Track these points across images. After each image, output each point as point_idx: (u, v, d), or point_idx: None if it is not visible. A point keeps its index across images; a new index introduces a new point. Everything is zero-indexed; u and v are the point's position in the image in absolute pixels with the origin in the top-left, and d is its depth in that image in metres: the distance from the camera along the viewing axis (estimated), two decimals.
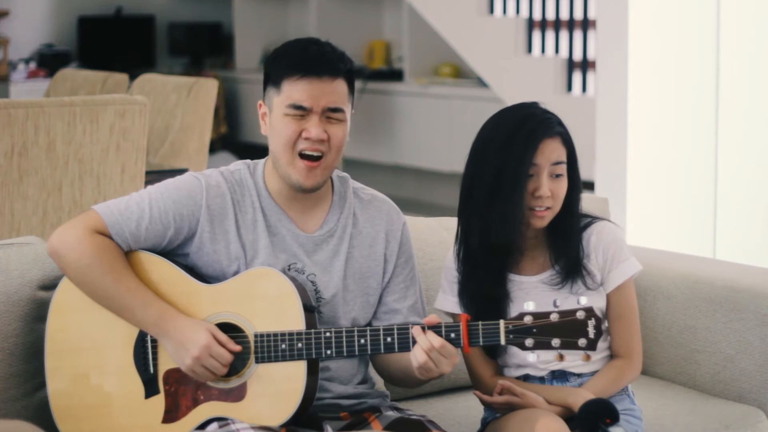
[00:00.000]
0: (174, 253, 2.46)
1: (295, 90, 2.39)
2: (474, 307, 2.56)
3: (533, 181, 2.50)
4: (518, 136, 2.50)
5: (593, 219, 2.63)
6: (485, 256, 2.54)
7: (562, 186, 2.53)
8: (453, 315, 2.63)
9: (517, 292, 2.57)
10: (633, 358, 2.60)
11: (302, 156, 2.40)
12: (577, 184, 2.58)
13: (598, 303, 2.57)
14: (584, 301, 2.28)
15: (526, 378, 2.59)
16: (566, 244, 2.57)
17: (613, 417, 2.28)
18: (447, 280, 2.64)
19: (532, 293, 2.56)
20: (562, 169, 2.52)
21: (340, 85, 2.42)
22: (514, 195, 2.48)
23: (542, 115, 2.54)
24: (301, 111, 2.39)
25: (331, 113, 2.41)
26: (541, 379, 2.58)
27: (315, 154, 2.40)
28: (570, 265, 2.56)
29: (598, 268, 2.58)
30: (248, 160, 2.55)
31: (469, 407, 2.85)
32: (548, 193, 2.49)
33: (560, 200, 2.53)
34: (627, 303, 2.60)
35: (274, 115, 2.43)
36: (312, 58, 2.40)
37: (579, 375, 2.58)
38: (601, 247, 2.58)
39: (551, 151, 2.50)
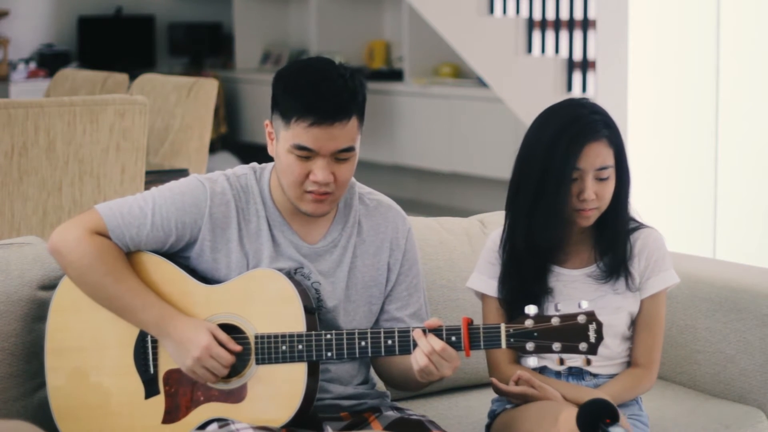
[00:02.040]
0: (176, 254, 2.45)
1: (303, 134, 2.32)
2: (513, 298, 2.55)
3: (578, 184, 2.50)
4: (562, 140, 2.49)
5: (642, 225, 2.64)
6: (529, 253, 2.54)
7: (608, 188, 2.53)
8: (484, 295, 2.62)
9: (558, 284, 2.57)
10: (652, 369, 2.59)
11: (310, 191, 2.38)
12: (626, 183, 2.57)
13: (632, 307, 2.58)
14: (585, 305, 2.27)
15: (543, 370, 2.58)
16: (612, 242, 2.57)
17: (613, 417, 2.28)
18: (486, 260, 2.62)
19: (572, 286, 2.57)
20: (608, 172, 2.52)
21: (352, 124, 2.36)
22: (557, 199, 2.49)
23: (589, 116, 2.52)
24: (308, 152, 2.34)
25: (340, 153, 2.36)
26: (557, 374, 2.58)
27: (322, 192, 2.37)
28: (615, 263, 2.56)
29: (639, 272, 2.58)
30: (255, 164, 2.53)
31: (469, 407, 2.85)
32: (593, 196, 2.50)
33: (606, 201, 2.53)
34: (657, 313, 2.60)
35: (280, 145, 2.38)
36: (324, 103, 2.31)
37: (595, 375, 2.58)
38: (645, 252, 2.59)
39: (595, 156, 2.50)
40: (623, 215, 2.59)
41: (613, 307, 2.56)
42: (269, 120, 2.43)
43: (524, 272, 2.55)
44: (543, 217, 2.50)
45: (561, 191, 2.48)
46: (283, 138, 2.36)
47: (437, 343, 2.28)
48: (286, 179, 2.38)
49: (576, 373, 2.57)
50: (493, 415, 2.62)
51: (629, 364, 2.61)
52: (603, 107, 2.59)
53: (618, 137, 2.55)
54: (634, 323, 2.60)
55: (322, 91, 2.32)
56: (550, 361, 2.54)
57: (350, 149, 2.37)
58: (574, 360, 2.33)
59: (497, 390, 2.54)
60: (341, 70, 2.36)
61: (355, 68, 2.41)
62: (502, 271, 2.59)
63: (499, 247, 2.60)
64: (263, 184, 2.48)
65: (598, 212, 2.53)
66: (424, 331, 2.30)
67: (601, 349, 2.27)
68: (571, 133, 2.49)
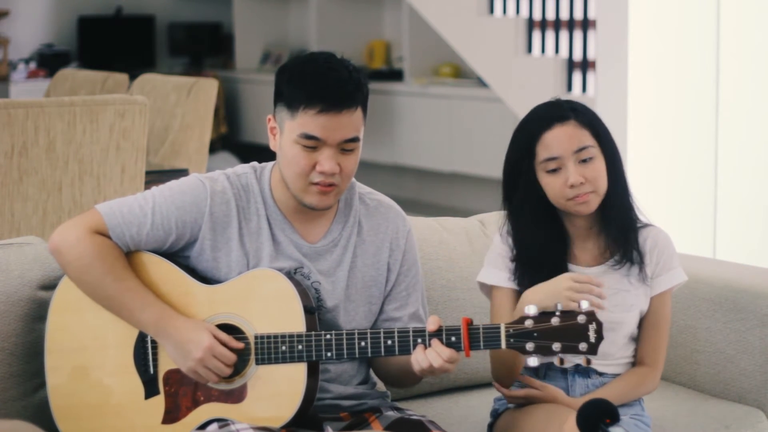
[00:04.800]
0: (176, 254, 2.45)
1: (311, 122, 2.33)
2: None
3: (561, 173, 2.46)
4: (525, 132, 2.50)
5: (648, 223, 2.60)
6: (540, 253, 2.51)
7: (595, 168, 2.47)
8: (494, 287, 2.57)
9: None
10: (657, 369, 2.58)
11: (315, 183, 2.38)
12: (617, 163, 2.52)
13: (643, 306, 2.57)
14: (585, 305, 2.26)
15: (549, 367, 2.57)
16: (620, 228, 2.52)
17: (613, 417, 2.27)
18: (497, 253, 2.57)
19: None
20: (590, 152, 2.47)
21: (358, 115, 2.36)
22: (534, 192, 2.49)
23: (550, 105, 2.51)
24: (315, 142, 2.35)
25: (346, 143, 2.36)
26: (563, 371, 2.56)
27: (327, 184, 2.37)
28: (627, 248, 2.52)
29: (651, 269, 2.56)
30: (255, 164, 2.53)
31: (469, 407, 2.85)
32: (580, 179, 2.45)
33: (600, 182, 2.48)
34: (664, 312, 2.58)
35: (284, 137, 2.38)
36: (331, 91, 2.32)
37: (601, 374, 2.56)
38: (656, 250, 2.56)
39: (568, 139, 2.46)
40: (626, 199, 2.54)
41: (626, 305, 2.54)
42: (272, 114, 2.43)
43: (541, 273, 2.50)
44: (530, 215, 2.50)
45: (533, 183, 2.47)
46: (288, 129, 2.36)
47: (436, 361, 2.27)
48: (290, 171, 2.38)
49: (582, 372, 2.56)
50: (496, 414, 2.62)
51: (633, 364, 2.60)
52: (599, 107, 2.59)
53: (591, 118, 2.50)
54: (640, 322, 2.59)
55: (330, 79, 2.33)
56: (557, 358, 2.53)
57: (356, 139, 2.37)
58: (576, 359, 2.32)
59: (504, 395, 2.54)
60: (345, 62, 2.39)
61: (356, 65, 2.42)
62: (518, 274, 2.54)
63: (510, 251, 2.56)
64: (263, 183, 2.48)
65: (596, 197, 2.48)
66: (424, 345, 2.29)
67: (609, 348, 2.26)
68: (533, 124, 2.49)
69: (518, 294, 2.51)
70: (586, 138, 2.48)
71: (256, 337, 2.35)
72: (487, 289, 2.60)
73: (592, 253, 2.57)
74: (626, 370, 2.58)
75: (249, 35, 10.12)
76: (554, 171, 2.47)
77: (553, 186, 2.48)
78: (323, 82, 2.33)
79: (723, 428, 2.83)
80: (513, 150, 2.52)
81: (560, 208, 2.51)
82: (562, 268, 2.51)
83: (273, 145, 2.44)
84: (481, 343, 2.28)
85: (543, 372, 2.58)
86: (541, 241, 2.52)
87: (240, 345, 2.34)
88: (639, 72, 4.99)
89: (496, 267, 2.57)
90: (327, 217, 2.48)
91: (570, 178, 2.45)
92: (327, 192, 2.38)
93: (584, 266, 2.56)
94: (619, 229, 2.53)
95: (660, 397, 2.93)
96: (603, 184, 2.49)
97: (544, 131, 2.48)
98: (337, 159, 2.36)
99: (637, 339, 2.60)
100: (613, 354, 2.54)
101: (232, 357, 2.33)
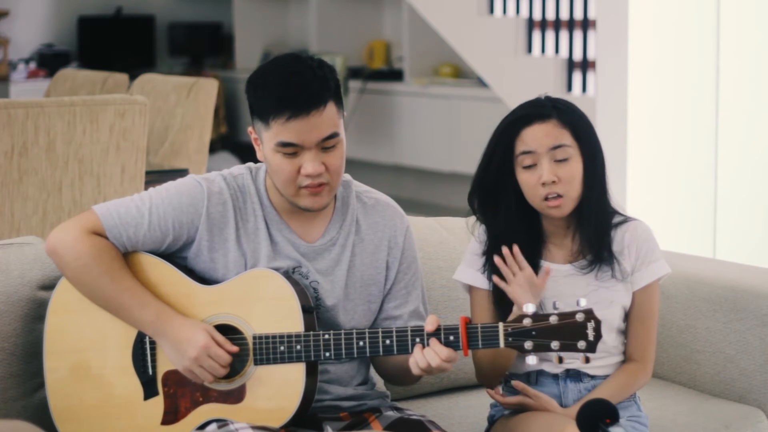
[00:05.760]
0: (173, 254, 2.45)
1: (284, 130, 2.33)
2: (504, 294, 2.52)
3: (536, 170, 2.45)
4: (502, 127, 2.50)
5: (627, 218, 2.58)
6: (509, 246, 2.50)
7: (569, 169, 2.45)
8: (471, 287, 2.58)
9: (548, 280, 2.49)
10: (646, 363, 2.57)
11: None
12: (597, 167, 2.49)
13: (625, 301, 2.55)
14: (584, 302, 2.26)
15: (541, 373, 2.56)
16: (594, 229, 2.50)
17: (613, 417, 2.27)
18: (473, 252, 2.57)
19: (563, 281, 2.52)
20: (565, 152, 2.45)
21: (330, 111, 2.35)
22: (507, 188, 2.49)
23: (533, 103, 2.50)
24: (293, 148, 2.35)
25: (325, 141, 2.36)
26: (555, 376, 2.55)
27: (317, 185, 2.37)
28: (599, 250, 2.50)
29: (630, 265, 2.54)
30: (251, 164, 2.53)
31: (469, 407, 2.85)
32: (552, 177, 2.43)
33: (573, 185, 2.46)
34: (650, 306, 2.56)
35: (265, 148, 2.39)
36: (297, 95, 2.32)
37: (593, 377, 2.55)
38: (635, 245, 2.53)
39: (545, 135, 2.45)
40: (604, 203, 2.53)
41: (606, 302, 2.52)
42: (251, 127, 2.44)
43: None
44: (507, 209, 2.50)
45: (506, 178, 2.47)
46: (266, 139, 2.38)
47: (434, 360, 2.27)
48: (278, 179, 2.38)
49: (573, 375, 2.55)
50: (492, 420, 2.61)
51: (623, 361, 2.60)
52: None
53: (574, 118, 2.48)
54: (627, 317, 2.58)
55: (292, 84, 2.33)
56: (549, 364, 2.52)
57: (334, 135, 2.36)
58: (573, 361, 2.32)
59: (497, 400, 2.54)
60: (308, 62, 2.37)
61: (321, 59, 2.41)
62: (490, 269, 2.54)
63: (484, 246, 2.57)
64: (259, 183, 2.48)
65: (568, 200, 2.46)
66: (422, 345, 2.29)
67: (599, 346, 2.26)
68: (514, 120, 2.48)
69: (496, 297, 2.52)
70: (564, 137, 2.46)
71: (254, 338, 2.35)
72: (466, 286, 2.60)
73: (568, 249, 2.55)
74: (617, 368, 2.58)
75: (249, 35, 10.12)
76: (529, 167, 2.46)
77: (527, 183, 2.47)
78: (286, 89, 2.33)
79: (723, 428, 2.83)
80: (493, 144, 2.51)
81: (535, 208, 2.51)
82: (534, 265, 2.51)
83: (259, 155, 2.45)
84: (480, 342, 2.28)
85: (535, 378, 2.56)
86: (515, 234, 2.50)
87: (235, 348, 2.34)
88: (639, 72, 4.99)
89: (474, 267, 2.57)
90: (324, 216, 2.48)
91: (543, 176, 2.44)
92: (319, 192, 2.38)
93: (558, 263, 2.54)
94: (593, 232, 2.52)
95: (660, 397, 2.93)
96: (576, 188, 2.47)
97: (524, 127, 2.47)
98: (320, 158, 2.35)
99: (625, 332, 2.59)
100: (601, 349, 2.52)
101: (227, 358, 2.33)
